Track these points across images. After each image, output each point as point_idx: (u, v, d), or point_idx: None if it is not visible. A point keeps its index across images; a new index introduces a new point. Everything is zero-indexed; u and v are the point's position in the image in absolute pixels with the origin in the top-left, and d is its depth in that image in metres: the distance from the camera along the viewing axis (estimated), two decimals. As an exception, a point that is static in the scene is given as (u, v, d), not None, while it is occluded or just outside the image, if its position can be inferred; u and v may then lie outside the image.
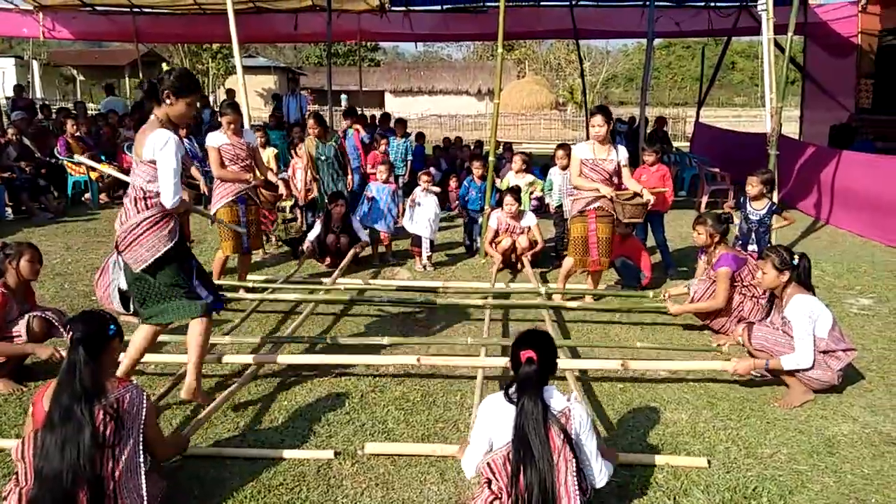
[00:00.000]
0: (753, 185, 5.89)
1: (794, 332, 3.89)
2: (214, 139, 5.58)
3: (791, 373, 3.91)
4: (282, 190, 5.90)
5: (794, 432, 3.64)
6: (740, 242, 5.91)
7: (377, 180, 7.38)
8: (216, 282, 5.85)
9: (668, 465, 3.25)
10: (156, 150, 3.32)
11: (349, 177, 7.61)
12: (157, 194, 3.38)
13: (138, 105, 13.38)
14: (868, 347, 4.85)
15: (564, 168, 6.89)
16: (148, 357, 4.27)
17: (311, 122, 7.46)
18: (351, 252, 6.71)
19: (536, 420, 2.48)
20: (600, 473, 2.68)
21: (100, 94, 37.46)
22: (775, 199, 7.09)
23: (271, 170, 6.55)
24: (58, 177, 10.20)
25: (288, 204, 7.53)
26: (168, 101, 3.40)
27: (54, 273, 6.47)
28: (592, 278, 5.92)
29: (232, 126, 5.59)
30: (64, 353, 3.79)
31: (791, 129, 15.13)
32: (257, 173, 5.77)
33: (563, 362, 4.19)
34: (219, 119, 5.79)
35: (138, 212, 3.41)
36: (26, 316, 4.10)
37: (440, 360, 4.25)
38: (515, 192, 6.92)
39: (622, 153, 5.54)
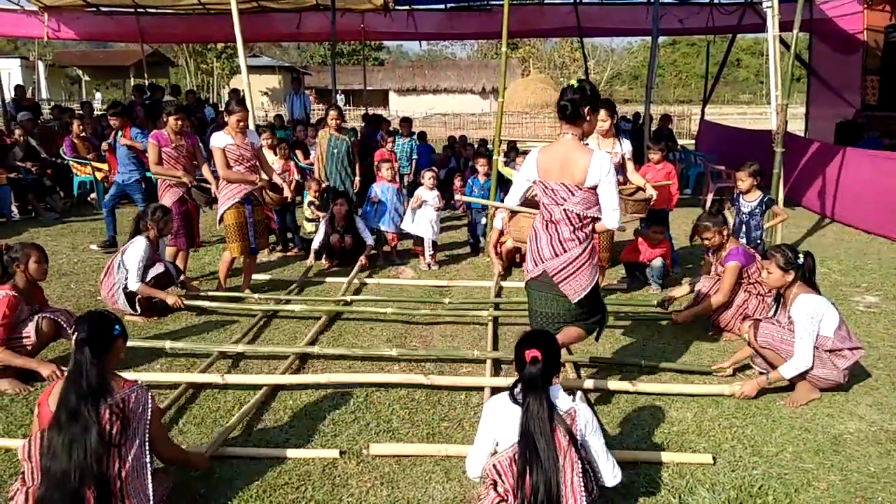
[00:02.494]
0: (743, 180, 5.96)
1: (795, 334, 3.88)
2: (219, 140, 5.55)
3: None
4: (286, 192, 5.92)
5: (800, 430, 3.63)
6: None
7: (382, 180, 7.36)
8: (223, 282, 5.89)
9: (673, 464, 3.25)
10: (602, 176, 3.26)
11: (357, 177, 7.59)
12: (591, 220, 3.37)
13: (127, 106, 13.41)
14: (874, 345, 4.82)
15: None
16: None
17: (333, 112, 7.41)
18: (358, 263, 6.71)
19: (542, 420, 2.48)
20: (612, 471, 2.67)
21: (106, 94, 37.63)
22: (781, 195, 7.07)
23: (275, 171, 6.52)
24: (63, 177, 10.23)
25: (312, 204, 7.48)
26: (588, 118, 3.36)
27: (60, 273, 6.49)
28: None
29: (241, 124, 5.56)
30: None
31: (797, 127, 15.09)
32: (262, 174, 5.78)
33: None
34: (225, 118, 5.76)
35: (578, 243, 3.37)
36: (35, 317, 4.11)
37: (448, 380, 4.13)
38: None
39: (626, 146, 5.54)
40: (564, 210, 3.34)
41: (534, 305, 3.59)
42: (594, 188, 3.30)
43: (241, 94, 7.71)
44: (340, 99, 15.90)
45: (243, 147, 5.59)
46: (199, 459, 3.13)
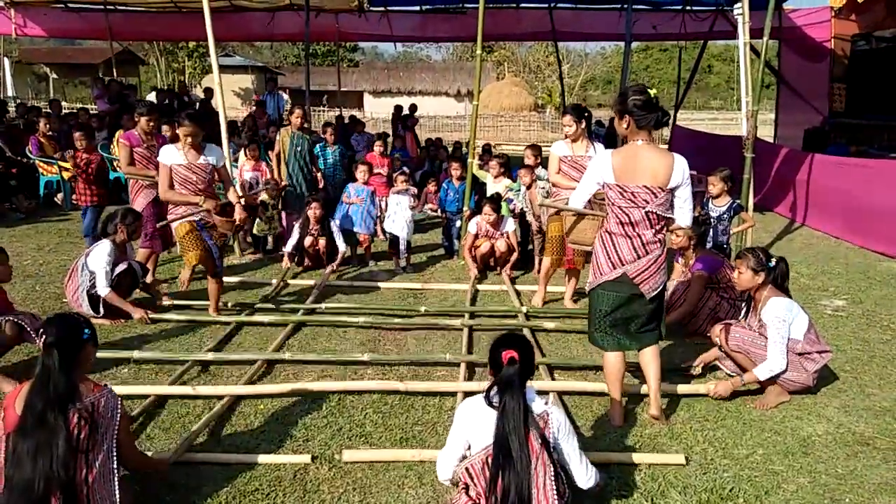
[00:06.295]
0: (715, 185, 6.03)
1: (768, 336, 3.92)
2: (168, 155, 4.96)
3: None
4: (238, 214, 5.10)
5: (770, 433, 3.67)
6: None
7: (358, 181, 7.32)
8: (183, 287, 5.73)
9: (646, 466, 3.26)
10: (684, 178, 3.40)
11: (318, 174, 7.57)
12: (667, 220, 3.46)
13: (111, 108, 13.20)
14: (842, 348, 4.90)
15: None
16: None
17: (298, 111, 7.43)
18: (328, 269, 6.65)
19: (517, 421, 2.47)
20: (587, 474, 2.67)
21: (73, 92, 36.92)
22: (752, 201, 7.17)
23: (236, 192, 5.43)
24: (29, 177, 10.00)
25: (269, 201, 7.41)
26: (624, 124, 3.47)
27: (25, 275, 6.34)
28: (569, 276, 5.93)
29: (189, 140, 4.94)
30: None
31: (766, 133, 15.33)
32: (204, 197, 5.03)
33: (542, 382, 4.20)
34: (176, 128, 5.16)
35: (659, 245, 3.47)
36: (-2, 319, 4.00)
37: (424, 385, 4.11)
38: (495, 200, 6.81)
39: (600, 150, 5.54)
40: (646, 212, 3.42)
41: (605, 307, 3.60)
42: (674, 189, 3.43)
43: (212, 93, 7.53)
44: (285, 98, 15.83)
45: (195, 168, 4.98)
46: (160, 464, 3.08)
